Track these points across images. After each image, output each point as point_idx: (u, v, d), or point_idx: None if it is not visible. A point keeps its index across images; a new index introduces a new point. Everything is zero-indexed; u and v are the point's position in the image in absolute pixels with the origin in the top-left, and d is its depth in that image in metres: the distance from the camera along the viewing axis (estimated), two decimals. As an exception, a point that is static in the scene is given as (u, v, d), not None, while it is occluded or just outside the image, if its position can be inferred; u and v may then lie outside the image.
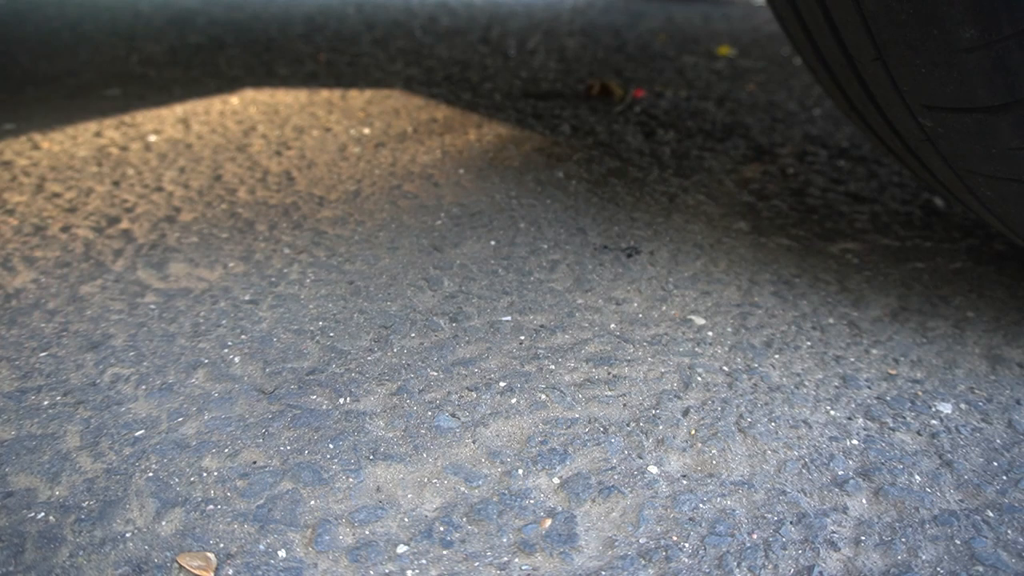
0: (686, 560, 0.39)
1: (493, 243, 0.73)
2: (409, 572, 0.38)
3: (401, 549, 0.39)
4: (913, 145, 0.55)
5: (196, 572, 0.37)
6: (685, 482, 0.44)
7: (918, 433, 0.49)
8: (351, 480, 0.44)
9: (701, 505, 0.42)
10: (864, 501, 0.43)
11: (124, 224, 0.77)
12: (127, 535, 0.40)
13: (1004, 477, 0.45)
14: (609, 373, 0.53)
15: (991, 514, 0.42)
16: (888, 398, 0.52)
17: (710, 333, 0.59)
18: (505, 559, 0.39)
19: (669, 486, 0.44)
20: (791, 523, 0.41)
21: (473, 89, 1.27)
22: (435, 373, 0.53)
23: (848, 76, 0.56)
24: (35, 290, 0.64)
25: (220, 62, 1.47)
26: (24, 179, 0.88)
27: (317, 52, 1.55)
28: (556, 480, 0.44)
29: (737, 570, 0.38)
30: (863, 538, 0.40)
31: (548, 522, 0.41)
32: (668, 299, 0.63)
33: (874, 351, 0.57)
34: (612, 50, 1.68)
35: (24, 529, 0.40)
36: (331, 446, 0.46)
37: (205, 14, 1.96)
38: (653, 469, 0.45)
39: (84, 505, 0.42)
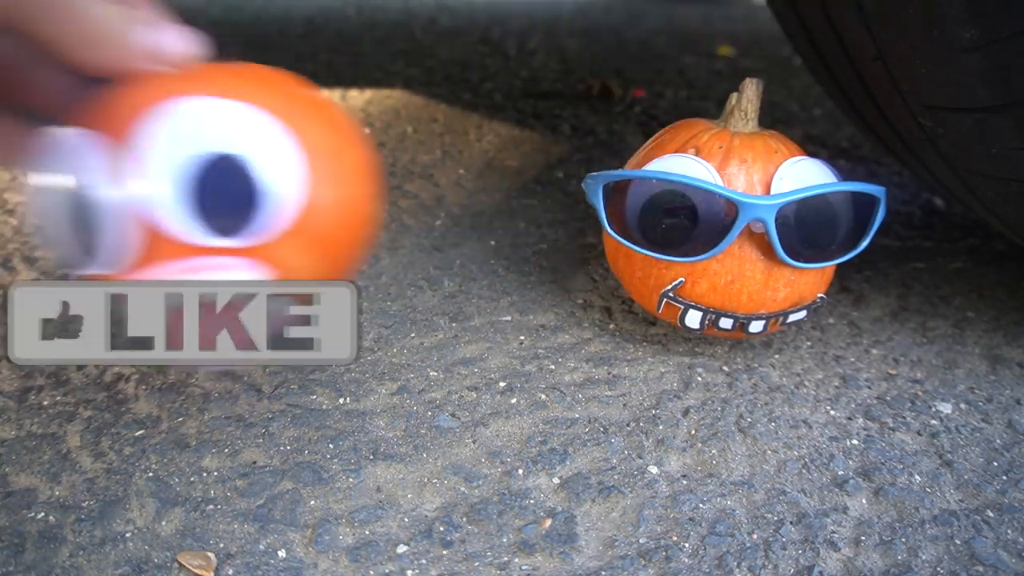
0: (686, 560, 0.39)
1: (493, 243, 0.73)
2: (409, 572, 0.38)
3: (401, 549, 0.39)
4: (913, 145, 0.55)
5: (196, 572, 0.37)
6: (685, 482, 0.44)
7: (918, 433, 0.49)
8: (351, 480, 0.44)
9: (701, 505, 0.42)
10: (864, 501, 0.43)
11: (124, 224, 0.77)
12: (127, 535, 0.40)
13: (1004, 477, 0.45)
14: (609, 373, 0.53)
15: (991, 514, 0.42)
16: (888, 398, 0.52)
17: (710, 333, 0.58)
18: (505, 559, 0.39)
19: (669, 486, 0.44)
20: (791, 523, 0.41)
21: (473, 89, 1.27)
22: (435, 373, 0.53)
23: (848, 76, 0.56)
24: (35, 290, 0.64)
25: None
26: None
27: (317, 52, 1.55)
28: (556, 480, 0.44)
29: (737, 570, 0.38)
30: (863, 538, 0.40)
31: (548, 522, 0.41)
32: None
33: (874, 351, 0.57)
34: (612, 50, 1.68)
35: (24, 529, 0.40)
36: (331, 446, 0.46)
37: (205, 14, 1.96)
38: (653, 469, 0.45)
39: (84, 505, 0.42)
